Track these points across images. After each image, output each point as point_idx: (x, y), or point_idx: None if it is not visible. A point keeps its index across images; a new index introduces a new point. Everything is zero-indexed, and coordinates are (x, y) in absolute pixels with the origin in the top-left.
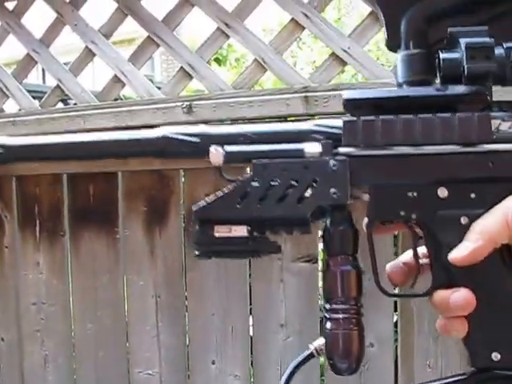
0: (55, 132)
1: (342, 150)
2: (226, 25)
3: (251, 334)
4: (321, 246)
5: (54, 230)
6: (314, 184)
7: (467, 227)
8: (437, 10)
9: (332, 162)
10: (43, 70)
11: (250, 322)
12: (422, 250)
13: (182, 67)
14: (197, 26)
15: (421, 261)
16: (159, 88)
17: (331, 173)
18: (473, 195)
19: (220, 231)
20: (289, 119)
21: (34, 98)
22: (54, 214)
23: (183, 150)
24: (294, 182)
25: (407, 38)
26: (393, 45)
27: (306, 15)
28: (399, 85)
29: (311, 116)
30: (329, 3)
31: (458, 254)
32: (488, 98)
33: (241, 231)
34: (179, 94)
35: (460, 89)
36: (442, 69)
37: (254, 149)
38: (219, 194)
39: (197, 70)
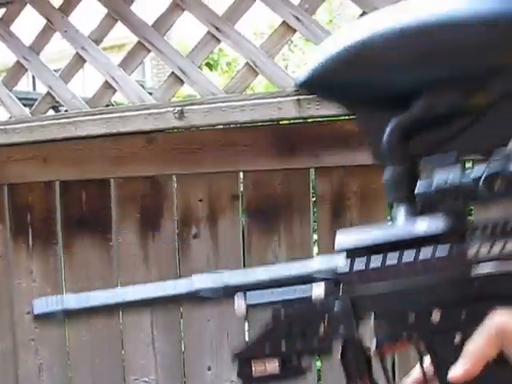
0: (46, 140)
1: (342, 289)
2: (217, 29)
3: (247, 339)
4: (315, 250)
5: (47, 237)
6: (325, 323)
7: (462, 345)
8: (412, 125)
9: (336, 302)
10: (33, 77)
11: (246, 328)
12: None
13: (173, 72)
14: (187, 31)
15: (428, 374)
16: (150, 93)
17: (337, 311)
18: (463, 315)
19: (256, 369)
20: (281, 123)
21: (24, 105)
22: (46, 222)
23: (209, 299)
24: (308, 323)
25: (389, 155)
26: (378, 160)
27: (297, 18)
28: (389, 205)
29: (304, 119)
30: (320, 5)
31: (454, 375)
32: (465, 227)
33: (273, 367)
34: (170, 99)
35: (437, 228)
36: (418, 201)
37: (270, 299)
38: (251, 338)
39: (188, 74)
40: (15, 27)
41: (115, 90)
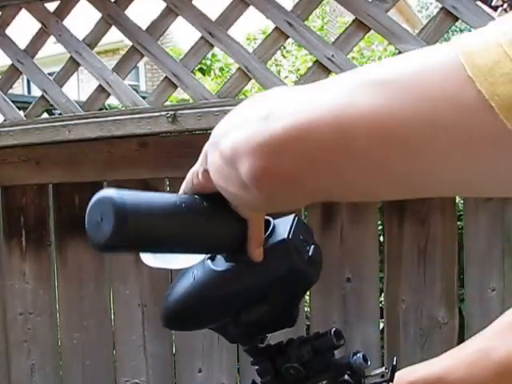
0: (40, 143)
1: None
2: (210, 34)
3: None
4: None
5: (40, 239)
6: None
7: None
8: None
9: None
10: (28, 81)
11: None
12: None
13: (166, 77)
14: (181, 36)
15: None
16: (144, 97)
17: None
18: None
19: None
20: None
21: (18, 108)
22: (39, 224)
23: None
24: None
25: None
26: (234, 343)
27: (289, 23)
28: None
29: None
30: (312, 11)
31: None
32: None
33: None
34: (164, 103)
35: None
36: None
37: None
38: None
39: (181, 79)
40: (10, 31)
41: (109, 94)
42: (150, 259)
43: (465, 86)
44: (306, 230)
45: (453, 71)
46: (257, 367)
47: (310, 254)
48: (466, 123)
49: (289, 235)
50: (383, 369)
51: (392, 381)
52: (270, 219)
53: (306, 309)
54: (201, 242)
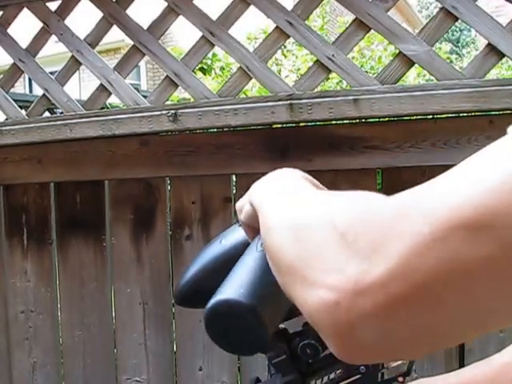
0: (42, 142)
1: None
2: (211, 33)
3: None
4: None
5: (42, 238)
6: None
7: None
8: None
9: None
10: (30, 80)
11: None
12: None
13: (167, 76)
14: (182, 35)
15: None
16: (145, 96)
17: None
18: None
19: None
20: (273, 126)
21: (20, 107)
22: (41, 223)
23: None
24: None
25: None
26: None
27: (290, 23)
28: None
29: (296, 123)
30: (313, 11)
31: None
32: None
33: None
34: (165, 102)
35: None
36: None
37: None
38: None
39: (182, 78)
40: (12, 30)
41: (110, 93)
42: None
43: None
44: None
45: None
46: (271, 353)
47: None
48: None
49: None
50: (400, 361)
51: (409, 374)
52: None
53: None
54: None
